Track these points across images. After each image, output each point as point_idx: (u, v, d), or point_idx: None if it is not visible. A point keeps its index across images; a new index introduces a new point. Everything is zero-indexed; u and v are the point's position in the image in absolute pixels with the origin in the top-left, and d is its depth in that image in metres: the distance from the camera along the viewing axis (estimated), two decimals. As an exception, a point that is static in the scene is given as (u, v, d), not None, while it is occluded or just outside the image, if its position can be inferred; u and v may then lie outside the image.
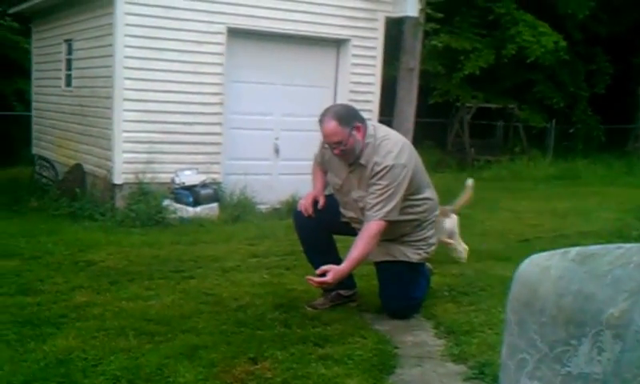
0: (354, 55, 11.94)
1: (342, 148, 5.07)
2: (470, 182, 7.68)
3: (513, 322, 2.19)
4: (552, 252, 2.15)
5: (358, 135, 5.04)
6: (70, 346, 4.50)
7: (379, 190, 4.94)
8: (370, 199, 4.97)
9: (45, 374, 4.05)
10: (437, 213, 5.50)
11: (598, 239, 8.42)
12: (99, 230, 9.01)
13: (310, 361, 4.37)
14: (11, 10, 14.82)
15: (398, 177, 4.94)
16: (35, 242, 7.97)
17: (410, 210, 5.19)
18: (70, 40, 12.16)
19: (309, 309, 5.46)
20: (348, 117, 5.06)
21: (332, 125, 5.03)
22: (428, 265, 5.83)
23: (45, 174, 12.92)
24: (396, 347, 4.75)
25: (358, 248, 4.93)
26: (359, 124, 5.06)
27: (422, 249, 5.36)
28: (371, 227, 4.94)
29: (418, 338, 5.00)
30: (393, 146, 5.04)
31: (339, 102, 10.82)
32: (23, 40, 16.16)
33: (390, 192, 4.93)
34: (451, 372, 4.38)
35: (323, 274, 4.87)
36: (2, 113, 17.36)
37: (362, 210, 5.11)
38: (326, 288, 5.37)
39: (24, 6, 13.82)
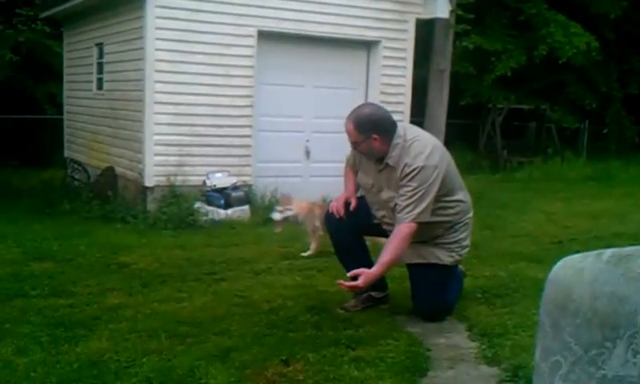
0: (385, 57, 11.90)
1: (357, 148, 5.15)
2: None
3: (546, 324, 2.15)
4: (586, 254, 2.11)
5: (374, 143, 5.02)
6: (102, 348, 4.51)
7: (410, 191, 4.89)
8: (400, 201, 4.92)
9: (77, 375, 4.07)
10: (470, 215, 5.43)
11: (633, 241, 8.30)
12: (131, 232, 9.05)
13: (342, 363, 4.34)
14: (43, 14, 14.94)
15: (429, 178, 4.89)
16: (68, 244, 8.03)
17: (443, 212, 5.13)
18: (101, 44, 12.24)
19: (341, 311, 5.43)
20: (367, 125, 5.02)
21: (349, 127, 5.06)
22: (460, 267, 5.77)
23: (77, 176, 13.01)
24: (428, 349, 4.70)
25: (389, 251, 4.89)
26: (376, 135, 5.00)
27: (454, 251, 5.31)
28: (402, 230, 4.89)
29: (451, 341, 4.95)
30: (423, 148, 4.99)
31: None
32: (55, 44, 16.26)
33: (420, 193, 4.87)
34: (484, 375, 4.33)
35: (355, 278, 4.84)
36: (35, 116, 17.53)
37: (393, 210, 5.07)
38: (358, 291, 5.35)
39: (55, 10, 13.93)
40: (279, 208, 7.94)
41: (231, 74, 10.68)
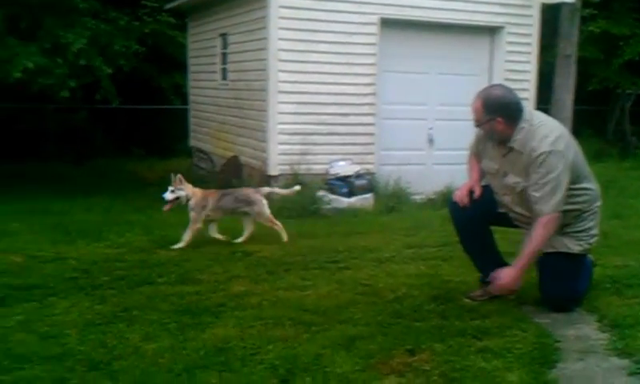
0: (509, 42, 11.62)
1: (479, 127, 5.03)
2: (297, 187, 8.08)
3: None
4: None
5: (497, 126, 4.88)
6: (228, 335, 4.53)
7: (540, 180, 4.72)
8: (533, 192, 4.77)
9: (204, 362, 4.09)
10: (598, 203, 5.18)
11: None
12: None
13: (468, 353, 4.22)
14: (168, 6, 15.33)
15: (557, 165, 4.71)
16: (194, 232, 8.16)
17: (571, 200, 4.92)
18: (225, 34, 12.43)
19: (467, 300, 5.28)
20: (494, 107, 4.88)
21: (477, 103, 4.94)
22: (590, 256, 5.52)
23: (202, 165, 13.28)
24: (557, 341, 4.50)
25: (532, 242, 4.78)
26: (501, 119, 4.86)
27: (583, 240, 5.08)
28: (542, 222, 4.74)
29: (581, 332, 4.73)
30: (549, 132, 4.83)
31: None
32: (179, 35, 16.66)
33: (552, 182, 4.70)
34: (615, 367, 4.12)
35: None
36: (160, 106, 18.01)
37: (519, 195, 4.94)
38: (484, 280, 5.24)
39: (180, 1, 14.27)
40: (171, 187, 7.55)
41: (354, 63, 10.64)
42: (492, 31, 11.66)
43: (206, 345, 4.36)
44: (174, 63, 17.42)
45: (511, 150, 4.92)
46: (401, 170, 10.72)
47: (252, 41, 11.05)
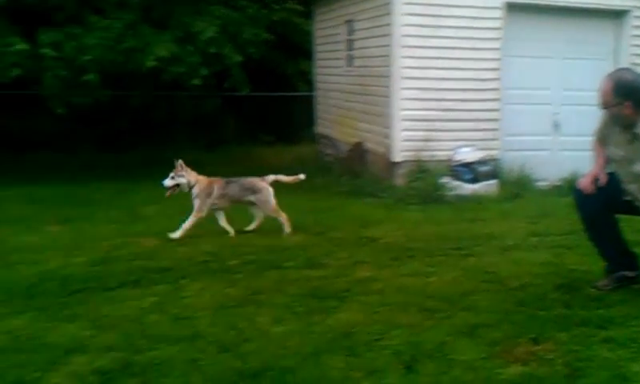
0: (634, 26, 11.20)
1: (606, 109, 4.94)
2: (301, 176, 7.81)
3: None
4: None
5: (624, 110, 4.80)
6: (353, 320, 4.65)
7: None
8: None
9: (331, 346, 4.22)
10: None
11: None
12: (379, 206, 9.24)
13: (592, 343, 4.20)
14: (294, -6, 15.56)
15: None
16: (320, 217, 8.36)
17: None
18: (350, 21, 12.52)
19: (592, 290, 5.23)
20: (624, 90, 4.79)
21: (607, 86, 4.86)
22: None
23: (328, 152, 13.44)
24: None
25: None
26: (629, 103, 4.76)
27: None
28: None
29: None
30: None
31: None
32: (304, 22, 16.82)
33: None
34: None
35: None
36: (287, 93, 18.28)
37: None
38: (609, 269, 5.18)
39: (307, -12, 14.44)
40: (172, 173, 7.44)
41: (478, 47, 10.54)
42: (617, 15, 11.27)
43: (332, 329, 4.49)
44: (300, 50, 17.62)
45: (636, 136, 4.83)
46: (525, 156, 10.57)
47: (376, 27, 11.09)
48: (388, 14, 10.45)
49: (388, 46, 10.49)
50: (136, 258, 6.49)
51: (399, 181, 10.28)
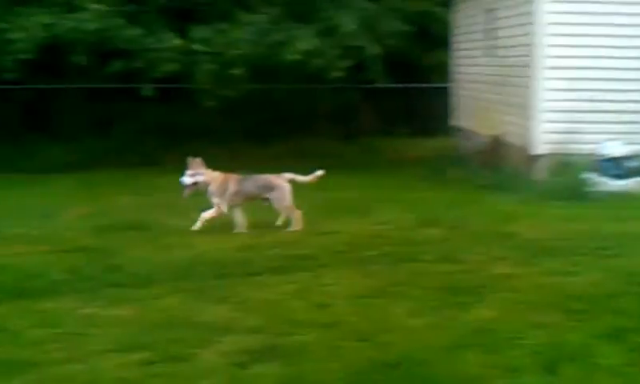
0: None
1: None
2: (319, 172, 7.63)
3: None
4: None
5: None
6: (489, 317, 4.55)
7: None
8: None
9: (466, 341, 4.14)
10: None
11: None
12: (518, 201, 8.97)
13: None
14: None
15: None
16: (457, 211, 8.22)
17: None
18: (491, 9, 12.23)
19: None
20: None
21: None
22: None
23: (464, 144, 13.24)
24: None
25: None
26: None
27: None
28: None
29: None
30: None
31: None
32: (441, 11, 16.54)
33: None
34: None
35: None
36: (423, 85, 18.05)
37: None
38: None
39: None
40: (189, 172, 7.28)
41: (630, 35, 10.03)
42: None
43: (467, 324, 4.42)
44: (437, 41, 17.36)
45: None
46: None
47: (519, 15, 10.79)
48: (531, 1, 10.13)
49: (531, 34, 10.17)
50: (277, 246, 6.67)
51: (539, 175, 9.95)
